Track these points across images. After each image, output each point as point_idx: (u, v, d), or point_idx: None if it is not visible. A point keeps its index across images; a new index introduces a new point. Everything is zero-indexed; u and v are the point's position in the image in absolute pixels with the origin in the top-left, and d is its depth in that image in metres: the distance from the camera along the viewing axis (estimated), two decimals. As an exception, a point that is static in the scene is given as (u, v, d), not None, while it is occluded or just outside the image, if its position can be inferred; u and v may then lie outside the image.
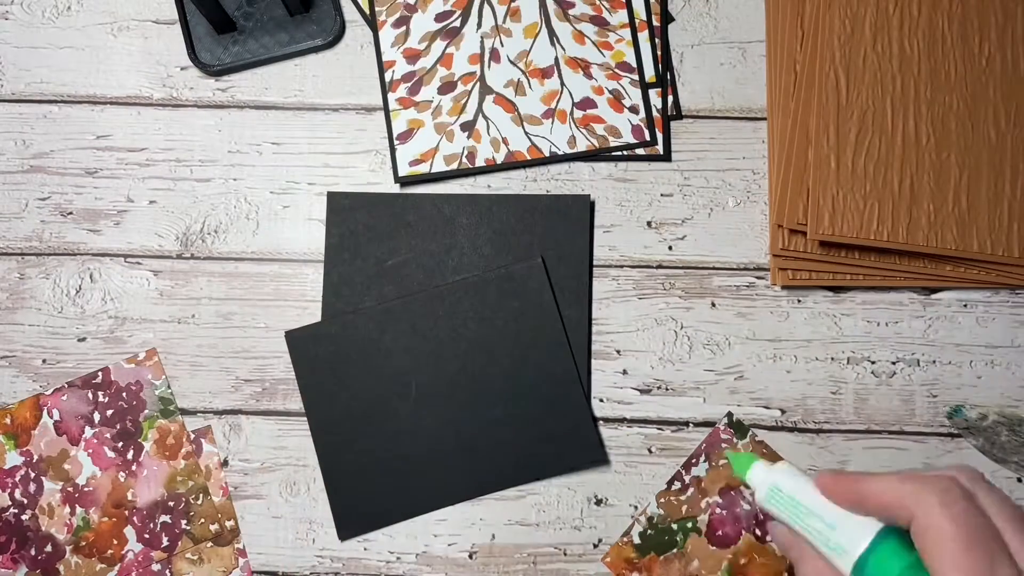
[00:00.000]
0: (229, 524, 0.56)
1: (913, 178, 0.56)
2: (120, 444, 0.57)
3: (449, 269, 0.58)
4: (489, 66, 0.60)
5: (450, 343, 0.57)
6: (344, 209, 0.59)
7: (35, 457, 0.57)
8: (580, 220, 0.58)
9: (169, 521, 0.56)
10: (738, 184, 0.60)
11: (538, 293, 0.57)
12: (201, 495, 0.56)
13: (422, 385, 0.56)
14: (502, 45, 0.61)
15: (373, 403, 0.56)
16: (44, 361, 0.58)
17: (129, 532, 0.56)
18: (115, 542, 0.56)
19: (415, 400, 0.56)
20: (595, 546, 0.56)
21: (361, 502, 0.56)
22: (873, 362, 0.58)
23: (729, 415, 0.57)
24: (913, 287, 0.58)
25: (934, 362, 0.58)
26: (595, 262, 0.59)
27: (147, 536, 0.56)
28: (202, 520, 0.56)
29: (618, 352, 0.58)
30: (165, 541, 0.56)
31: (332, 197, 0.59)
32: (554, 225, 0.58)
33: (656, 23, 0.61)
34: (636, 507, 0.56)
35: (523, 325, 0.57)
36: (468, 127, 0.60)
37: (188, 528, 0.56)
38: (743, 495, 0.56)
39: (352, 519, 0.56)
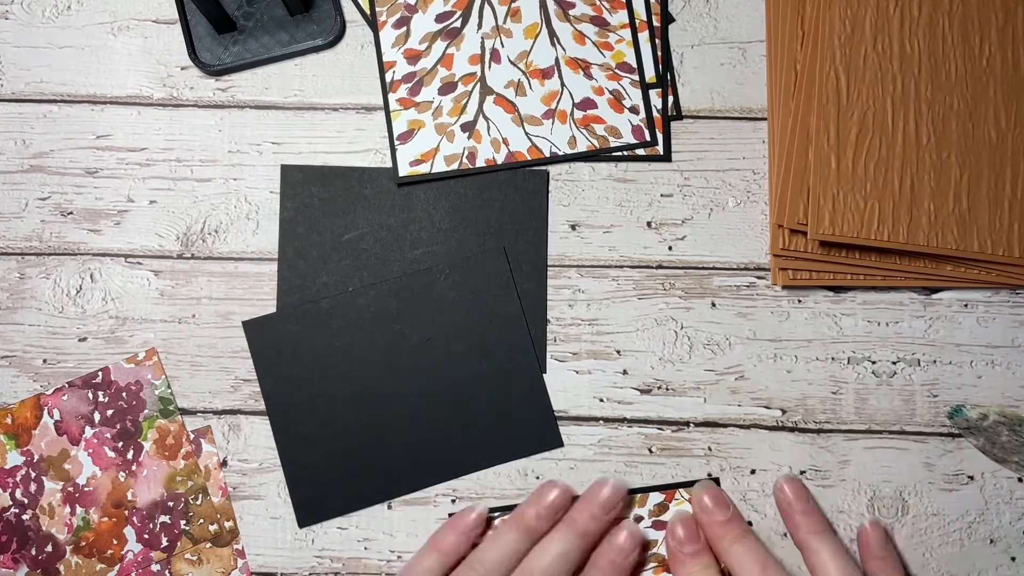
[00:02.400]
0: (228, 524, 0.56)
1: (913, 178, 0.56)
2: (120, 444, 0.57)
3: (407, 243, 0.58)
4: (489, 67, 0.60)
5: (408, 330, 0.57)
6: (299, 182, 0.59)
7: (35, 457, 0.57)
8: (537, 193, 0.58)
9: (168, 521, 0.56)
10: (738, 184, 0.60)
11: (498, 281, 0.57)
12: (200, 495, 0.56)
13: (378, 373, 0.57)
14: (502, 46, 0.61)
15: (330, 391, 0.56)
16: (44, 361, 0.58)
17: (129, 532, 0.56)
18: (115, 542, 0.56)
19: (372, 388, 0.56)
20: (595, 546, 0.56)
21: (320, 491, 0.56)
22: (873, 362, 0.58)
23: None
24: (913, 287, 0.58)
25: (934, 362, 0.58)
26: (595, 263, 0.59)
27: (147, 536, 0.56)
28: (201, 520, 0.56)
29: (618, 352, 0.58)
30: (164, 541, 0.56)
31: (286, 171, 0.59)
32: (511, 199, 0.58)
33: (656, 23, 0.61)
34: (636, 507, 0.56)
35: (483, 311, 0.57)
36: (468, 127, 0.60)
37: (187, 528, 0.56)
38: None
39: (311, 507, 0.56)
